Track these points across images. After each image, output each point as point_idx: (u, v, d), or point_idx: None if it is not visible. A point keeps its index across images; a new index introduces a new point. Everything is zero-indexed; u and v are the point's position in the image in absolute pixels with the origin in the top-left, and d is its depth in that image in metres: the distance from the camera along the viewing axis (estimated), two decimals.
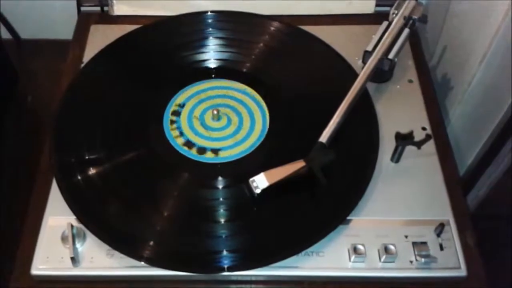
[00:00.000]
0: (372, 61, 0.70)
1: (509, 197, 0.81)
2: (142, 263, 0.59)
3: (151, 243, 0.60)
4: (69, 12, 0.90)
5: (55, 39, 1.00)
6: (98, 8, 0.86)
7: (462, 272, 0.60)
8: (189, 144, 0.69)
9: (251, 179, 0.61)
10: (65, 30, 0.90)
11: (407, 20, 0.75)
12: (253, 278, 0.60)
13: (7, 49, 0.93)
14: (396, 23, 0.74)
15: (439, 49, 0.87)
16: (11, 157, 0.87)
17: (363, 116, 0.70)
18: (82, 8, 0.86)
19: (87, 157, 0.67)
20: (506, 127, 0.74)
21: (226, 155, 0.68)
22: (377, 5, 0.86)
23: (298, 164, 0.62)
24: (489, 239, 0.82)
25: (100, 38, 0.81)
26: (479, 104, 0.79)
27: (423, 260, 0.60)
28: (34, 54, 1.00)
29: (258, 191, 0.61)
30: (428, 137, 0.65)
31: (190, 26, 0.80)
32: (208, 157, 0.68)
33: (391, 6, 0.78)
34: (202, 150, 0.68)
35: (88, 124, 0.70)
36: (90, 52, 0.79)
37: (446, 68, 0.85)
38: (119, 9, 0.85)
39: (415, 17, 0.75)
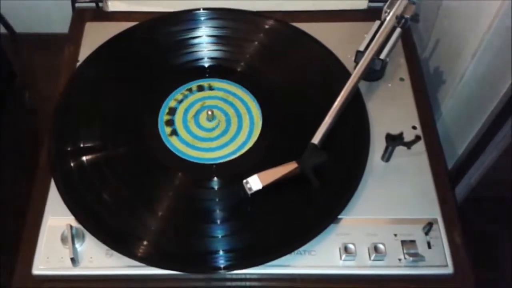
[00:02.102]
0: (364, 62, 0.71)
1: (497, 186, 0.84)
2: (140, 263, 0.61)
3: (149, 243, 0.62)
4: (64, 6, 0.90)
5: (50, 33, 1.00)
6: (93, 4, 0.87)
7: (449, 269, 0.62)
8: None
9: (244, 181, 0.63)
10: (60, 24, 0.91)
11: (399, 19, 0.75)
12: (248, 276, 0.62)
13: (3, 43, 0.94)
14: (388, 22, 0.74)
15: (431, 42, 0.87)
16: (10, 154, 0.88)
17: (355, 116, 0.71)
18: (77, 4, 0.86)
19: (85, 159, 0.68)
20: (497, 118, 0.75)
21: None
22: (370, 1, 0.86)
23: (291, 166, 0.64)
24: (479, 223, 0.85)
25: (95, 35, 0.81)
26: (471, 96, 0.80)
27: (411, 258, 0.62)
28: (30, 48, 1.00)
29: (251, 192, 0.63)
30: (417, 138, 0.67)
31: (182, 25, 0.81)
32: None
33: (384, 1, 0.79)
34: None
35: (85, 124, 0.71)
36: (85, 49, 0.80)
37: (438, 61, 0.86)
38: (113, 5, 0.85)
39: (407, 16, 0.75)
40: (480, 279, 0.63)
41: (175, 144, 0.70)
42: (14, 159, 0.90)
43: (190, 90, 0.75)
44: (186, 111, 0.73)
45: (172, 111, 0.73)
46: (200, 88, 0.76)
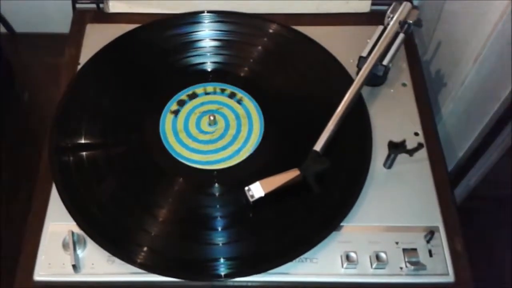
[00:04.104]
0: (366, 68, 0.71)
1: (496, 186, 0.84)
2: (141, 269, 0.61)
3: (150, 250, 0.62)
4: (64, 6, 0.89)
5: (50, 33, 0.99)
6: (94, 5, 0.86)
7: (450, 278, 0.62)
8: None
9: (246, 188, 0.63)
10: (60, 24, 0.90)
11: (402, 25, 0.75)
12: (249, 284, 0.62)
13: (3, 43, 0.93)
14: (391, 28, 0.74)
15: (433, 45, 0.87)
16: (9, 154, 0.87)
17: (357, 123, 0.71)
18: (77, 5, 0.86)
19: (86, 164, 0.68)
20: (498, 122, 0.75)
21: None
22: (372, 4, 0.86)
23: (293, 173, 0.64)
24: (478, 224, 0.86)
25: (96, 37, 0.80)
26: (472, 100, 0.79)
27: (412, 267, 0.62)
28: (29, 48, 1.00)
29: (253, 199, 0.63)
30: (420, 146, 0.67)
31: (186, 27, 0.80)
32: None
33: (386, 5, 0.78)
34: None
35: (86, 129, 0.71)
36: (86, 51, 0.79)
37: (439, 64, 0.85)
38: (114, 7, 0.85)
39: (410, 21, 0.75)
40: (479, 280, 0.64)
41: (177, 150, 0.70)
42: (14, 159, 0.89)
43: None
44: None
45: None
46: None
